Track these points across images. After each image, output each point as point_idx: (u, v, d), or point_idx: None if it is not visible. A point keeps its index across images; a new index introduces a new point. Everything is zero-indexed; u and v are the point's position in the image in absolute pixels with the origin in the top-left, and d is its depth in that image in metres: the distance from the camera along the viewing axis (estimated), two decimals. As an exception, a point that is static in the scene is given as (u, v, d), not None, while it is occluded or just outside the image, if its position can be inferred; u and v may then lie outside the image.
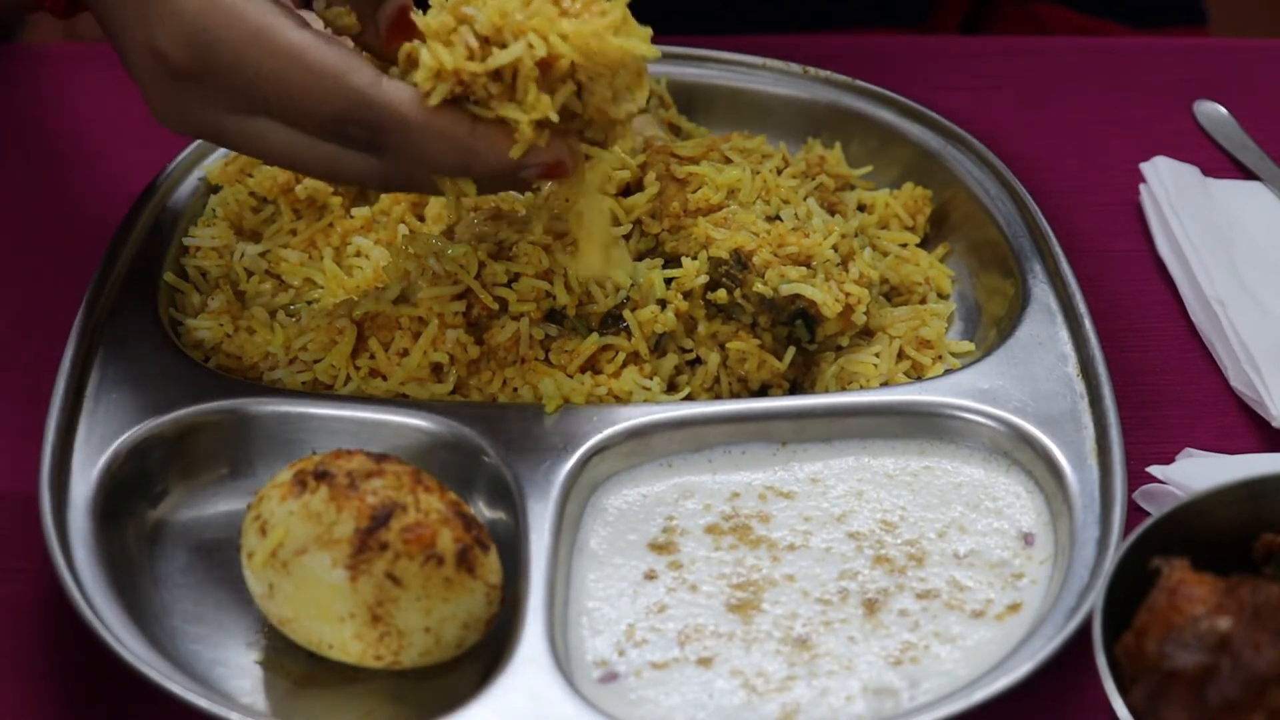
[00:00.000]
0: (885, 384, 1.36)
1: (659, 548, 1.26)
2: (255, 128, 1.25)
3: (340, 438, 1.30)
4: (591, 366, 1.33)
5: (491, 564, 1.18)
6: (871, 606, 1.22)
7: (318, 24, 1.28)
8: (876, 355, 1.37)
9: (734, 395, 1.36)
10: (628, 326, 1.34)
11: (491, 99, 1.21)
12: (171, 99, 1.26)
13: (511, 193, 1.42)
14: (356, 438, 1.29)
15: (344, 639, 1.16)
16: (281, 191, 1.43)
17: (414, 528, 1.16)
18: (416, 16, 1.24)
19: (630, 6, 1.24)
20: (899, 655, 1.19)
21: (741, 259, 1.35)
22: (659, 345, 1.36)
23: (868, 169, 1.52)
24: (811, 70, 1.58)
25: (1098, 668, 1.06)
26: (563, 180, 1.26)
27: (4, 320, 1.46)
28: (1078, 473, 1.27)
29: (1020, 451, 1.30)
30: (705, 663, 1.19)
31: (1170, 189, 1.53)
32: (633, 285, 1.34)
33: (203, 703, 1.14)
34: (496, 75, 1.21)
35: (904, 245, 1.46)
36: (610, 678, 1.18)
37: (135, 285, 1.39)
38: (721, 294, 1.35)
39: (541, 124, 1.22)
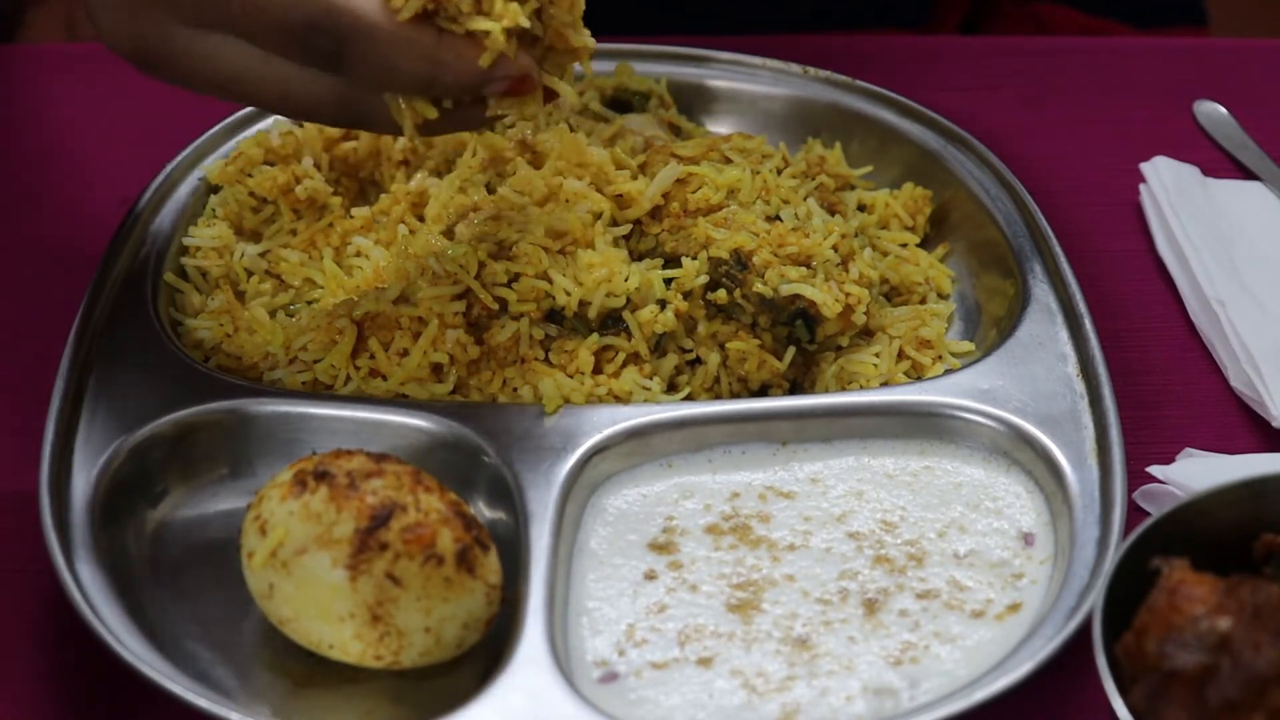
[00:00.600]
0: (885, 384, 1.36)
1: (659, 548, 1.26)
2: (206, 45, 1.22)
3: (340, 438, 1.30)
4: (591, 367, 1.33)
5: (491, 564, 1.18)
6: (871, 606, 1.22)
7: None
8: (876, 355, 1.37)
9: (734, 395, 1.36)
10: (628, 326, 1.34)
11: (461, 15, 1.21)
12: (122, 9, 1.23)
13: (510, 194, 1.41)
14: (356, 438, 1.29)
15: (344, 639, 1.16)
16: (281, 192, 1.43)
17: (414, 528, 1.16)
18: None
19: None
20: (899, 655, 1.19)
21: (741, 259, 1.35)
22: (659, 345, 1.36)
23: (868, 169, 1.52)
24: (811, 70, 1.58)
25: (1098, 668, 1.06)
26: (521, 100, 1.24)
27: (4, 320, 1.46)
28: (1078, 473, 1.27)
29: (1020, 451, 1.30)
30: (705, 663, 1.19)
31: (1170, 189, 1.53)
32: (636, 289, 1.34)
33: (203, 703, 1.14)
34: None
35: (904, 245, 1.46)
36: (610, 678, 1.18)
37: (135, 285, 1.39)
38: (721, 294, 1.35)
39: (510, 35, 1.21)
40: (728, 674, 1.18)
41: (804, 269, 1.35)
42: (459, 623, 1.17)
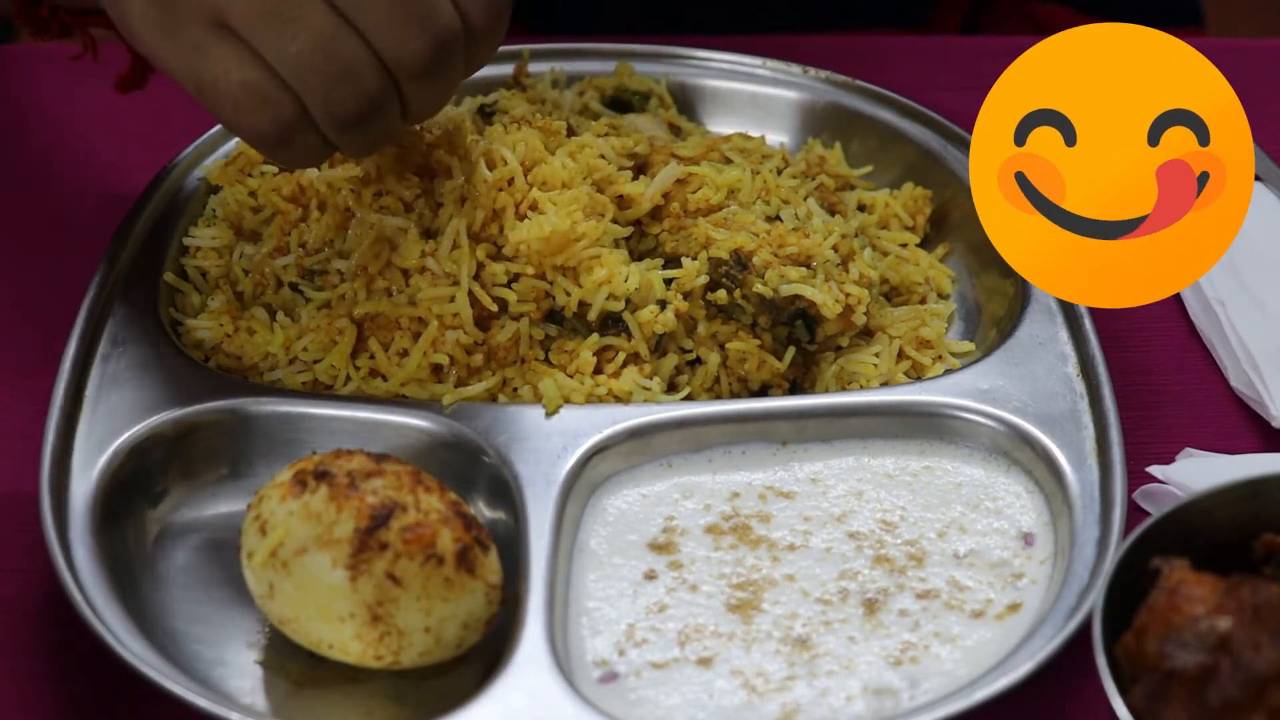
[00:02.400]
0: (885, 384, 1.36)
1: (659, 548, 1.26)
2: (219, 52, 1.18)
3: (340, 438, 1.30)
4: (592, 367, 1.33)
5: (491, 564, 1.18)
6: (871, 606, 1.22)
7: None
8: (876, 355, 1.37)
9: (734, 395, 1.36)
10: (628, 327, 1.34)
11: None
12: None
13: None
14: (356, 438, 1.29)
15: (344, 639, 1.16)
16: (285, 200, 1.42)
17: (414, 527, 1.15)
18: None
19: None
20: (899, 655, 1.19)
21: (741, 259, 1.35)
22: (659, 345, 1.36)
23: (868, 169, 1.52)
24: (811, 70, 1.58)
25: (1098, 668, 1.06)
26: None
27: (4, 321, 1.46)
28: (1078, 473, 1.27)
29: (1020, 451, 1.30)
30: (705, 663, 1.19)
31: (1170, 189, 1.53)
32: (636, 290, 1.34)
33: (203, 703, 1.14)
34: None
35: (904, 245, 1.46)
36: (610, 678, 1.18)
37: (135, 285, 1.39)
38: (721, 294, 1.35)
39: None
40: (728, 674, 1.18)
41: (804, 269, 1.35)
42: (459, 623, 1.17)
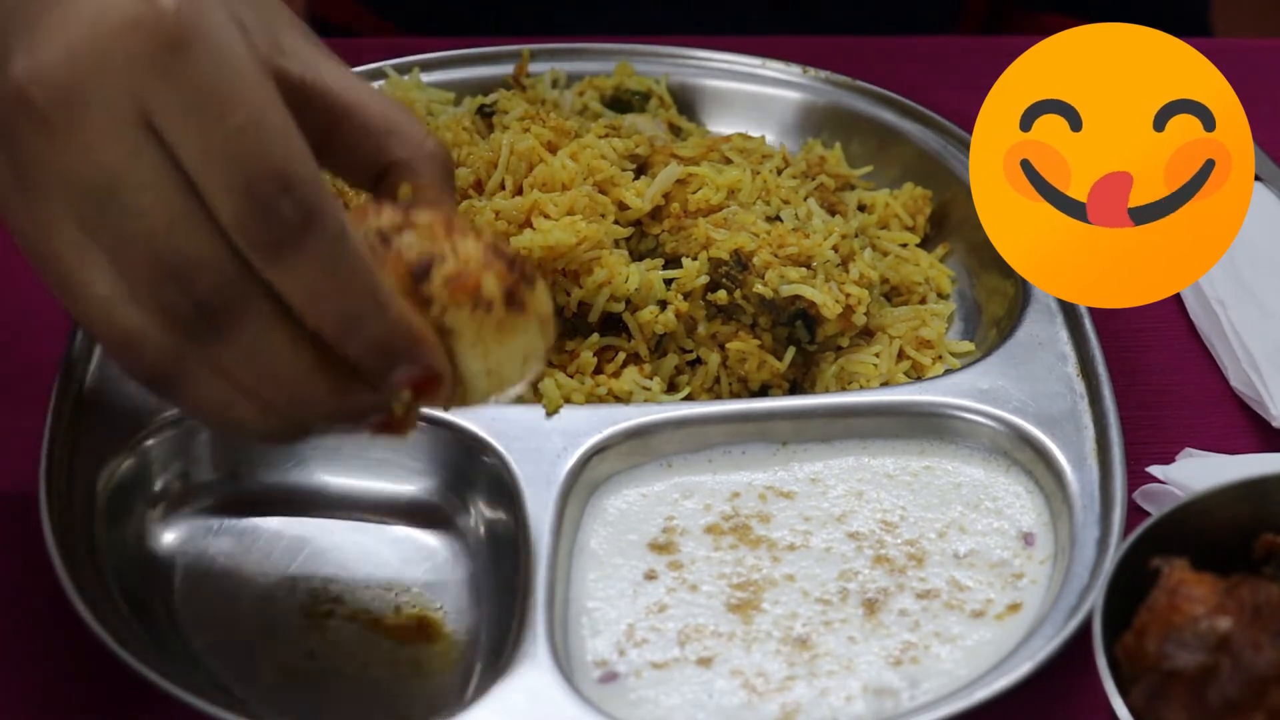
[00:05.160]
0: (885, 384, 1.36)
1: (659, 548, 1.26)
2: None
3: (341, 437, 1.30)
4: (592, 367, 1.33)
5: (539, 297, 1.11)
6: (871, 606, 1.22)
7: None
8: (876, 355, 1.37)
9: (734, 395, 1.36)
10: (628, 327, 1.34)
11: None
12: None
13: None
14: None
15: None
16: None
17: (457, 277, 1.09)
18: None
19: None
20: (899, 655, 1.19)
21: (742, 260, 1.35)
22: (659, 345, 1.36)
23: (868, 169, 1.52)
24: (811, 70, 1.58)
25: (1098, 668, 1.06)
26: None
27: (4, 320, 1.46)
28: (1078, 473, 1.27)
29: (1020, 451, 1.30)
30: (705, 663, 1.19)
31: (1170, 189, 1.53)
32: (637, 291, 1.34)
33: (203, 704, 1.14)
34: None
35: (904, 245, 1.46)
36: (610, 678, 1.18)
37: (135, 285, 1.39)
38: (722, 295, 1.35)
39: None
40: (728, 674, 1.18)
41: (804, 269, 1.35)
42: (519, 360, 1.11)
